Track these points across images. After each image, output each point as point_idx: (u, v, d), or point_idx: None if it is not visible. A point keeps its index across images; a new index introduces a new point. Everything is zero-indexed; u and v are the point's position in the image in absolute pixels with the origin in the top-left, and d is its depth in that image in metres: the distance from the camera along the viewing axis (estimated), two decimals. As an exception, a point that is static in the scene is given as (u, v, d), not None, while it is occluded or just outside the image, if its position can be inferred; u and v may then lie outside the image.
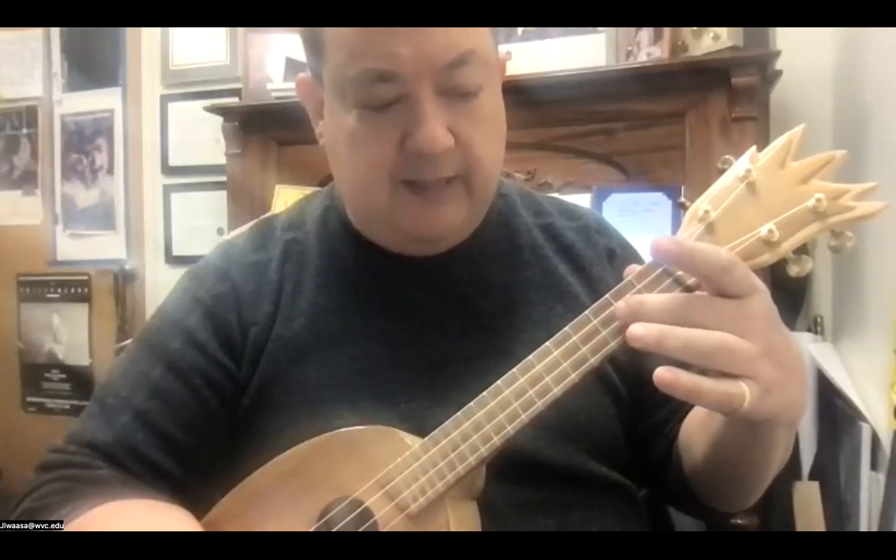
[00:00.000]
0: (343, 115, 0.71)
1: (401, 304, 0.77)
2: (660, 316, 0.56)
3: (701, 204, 0.59)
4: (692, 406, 0.75)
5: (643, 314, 0.56)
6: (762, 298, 0.56)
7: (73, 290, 2.48)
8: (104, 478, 0.69)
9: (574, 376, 0.60)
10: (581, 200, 1.49)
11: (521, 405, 0.60)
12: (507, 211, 0.85)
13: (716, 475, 0.74)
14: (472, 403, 0.63)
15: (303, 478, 0.66)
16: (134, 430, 0.72)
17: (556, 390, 0.60)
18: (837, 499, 1.39)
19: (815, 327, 1.61)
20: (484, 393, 0.62)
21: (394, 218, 0.73)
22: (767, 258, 0.57)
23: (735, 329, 0.54)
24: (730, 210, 0.58)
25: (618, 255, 0.84)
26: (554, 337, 0.61)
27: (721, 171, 0.60)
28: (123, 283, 2.38)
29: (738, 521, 1.25)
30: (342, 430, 0.67)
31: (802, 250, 0.57)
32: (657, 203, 1.52)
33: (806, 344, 1.50)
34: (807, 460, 1.44)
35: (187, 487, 0.72)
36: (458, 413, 0.63)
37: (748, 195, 0.58)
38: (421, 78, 0.67)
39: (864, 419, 1.31)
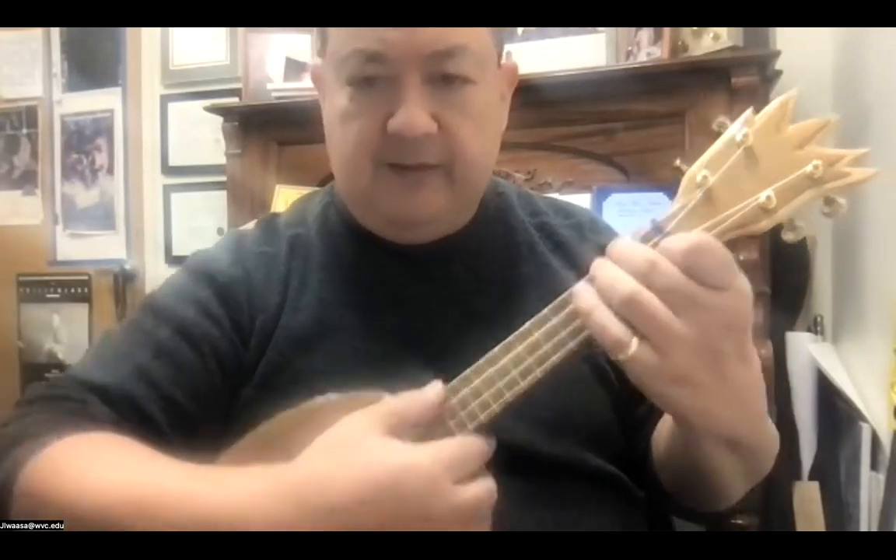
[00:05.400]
0: (337, 93, 0.74)
1: (399, 300, 0.78)
2: (626, 263, 0.55)
3: (698, 170, 0.58)
4: None
5: (612, 254, 0.56)
6: (735, 302, 0.54)
7: (73, 290, 2.48)
8: (99, 416, 0.69)
9: (573, 345, 0.60)
10: (581, 200, 1.48)
11: (536, 360, 0.61)
12: (505, 209, 0.86)
13: (676, 480, 0.77)
14: (472, 369, 0.63)
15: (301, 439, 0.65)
16: (135, 382, 0.71)
17: (572, 344, 0.59)
18: (837, 499, 1.38)
19: (815, 327, 1.60)
20: (495, 349, 0.62)
21: (375, 199, 0.75)
22: (765, 225, 0.56)
23: (677, 306, 0.52)
24: (727, 175, 0.57)
25: None
26: (534, 318, 0.62)
27: (717, 135, 0.59)
28: (123, 283, 2.38)
29: (738, 521, 1.25)
30: (338, 396, 0.66)
31: None
32: (657, 203, 1.51)
33: (806, 344, 1.50)
34: (807, 460, 1.44)
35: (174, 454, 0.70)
36: (468, 371, 0.63)
37: (745, 160, 0.57)
38: (407, 62, 0.69)
39: (864, 419, 1.31)
